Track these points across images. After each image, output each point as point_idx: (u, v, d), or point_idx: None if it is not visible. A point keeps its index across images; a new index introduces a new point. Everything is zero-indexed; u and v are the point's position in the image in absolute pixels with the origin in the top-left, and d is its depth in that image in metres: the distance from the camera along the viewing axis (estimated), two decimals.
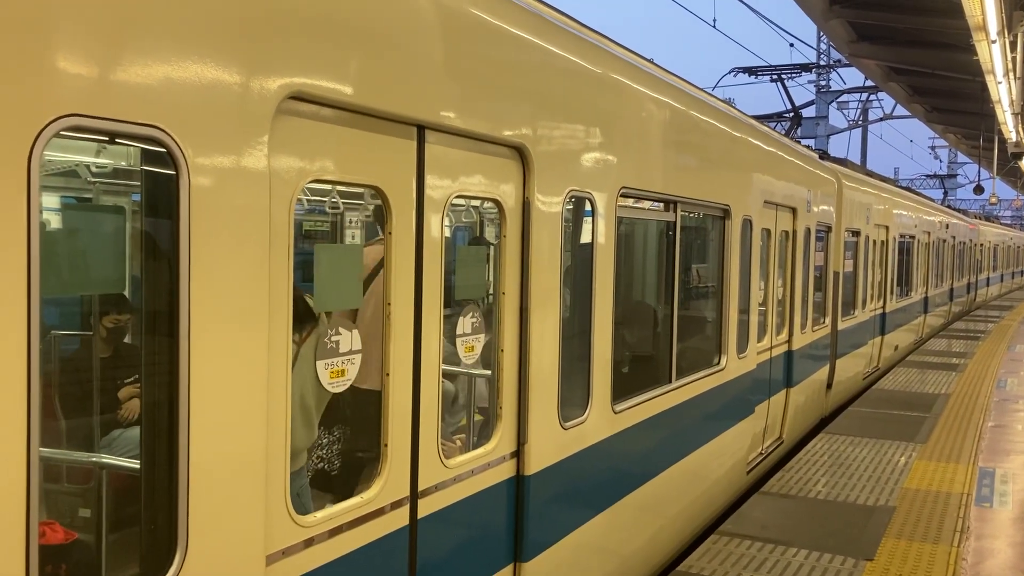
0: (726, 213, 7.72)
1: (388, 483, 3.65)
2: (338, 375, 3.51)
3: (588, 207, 5.24)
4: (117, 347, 4.62)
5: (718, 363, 7.74)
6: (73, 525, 3.32)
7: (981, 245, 33.94)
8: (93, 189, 4.69)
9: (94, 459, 3.74)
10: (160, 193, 2.70)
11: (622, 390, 5.75)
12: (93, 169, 4.55)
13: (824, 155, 14.17)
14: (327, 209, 6.69)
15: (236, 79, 2.79)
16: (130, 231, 2.97)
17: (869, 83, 26.53)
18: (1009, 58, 11.75)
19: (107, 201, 4.75)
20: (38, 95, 2.27)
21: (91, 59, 2.39)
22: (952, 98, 25.64)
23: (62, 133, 2.34)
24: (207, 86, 2.69)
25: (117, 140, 2.63)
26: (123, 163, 3.43)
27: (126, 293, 3.92)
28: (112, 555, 3.22)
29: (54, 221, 2.88)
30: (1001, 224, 50.97)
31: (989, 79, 12.74)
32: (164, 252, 2.69)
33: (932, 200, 26.89)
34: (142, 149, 2.72)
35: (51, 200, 4.08)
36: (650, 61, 6.61)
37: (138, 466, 2.91)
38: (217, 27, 2.73)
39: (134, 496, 3.08)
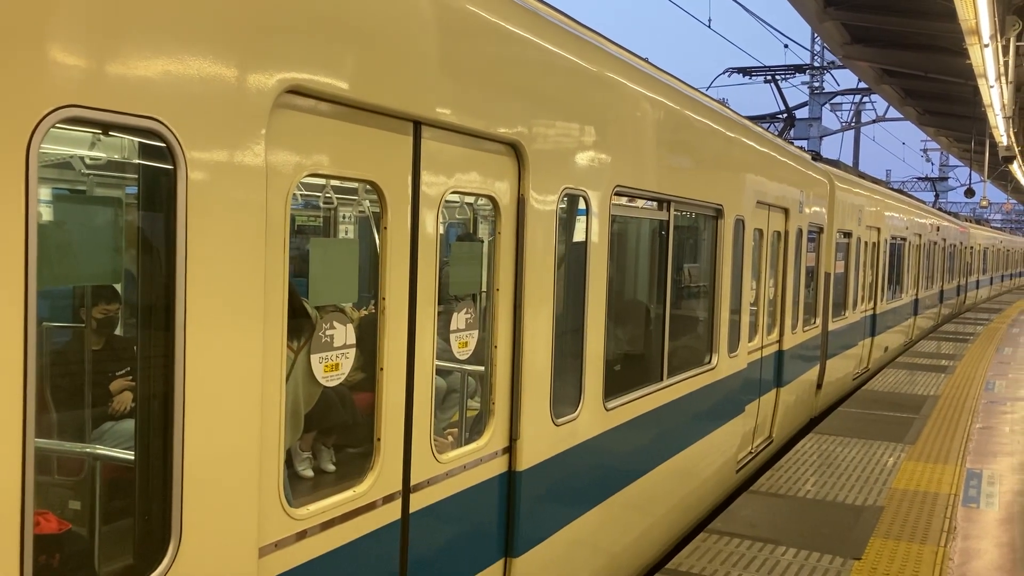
0: (719, 213, 7.76)
1: (380, 477, 3.66)
2: (332, 369, 3.52)
3: (582, 205, 5.26)
4: (110, 339, 4.61)
5: (709, 362, 7.77)
6: (66, 516, 3.32)
7: (971, 248, 34.10)
8: (89, 181, 4.69)
9: (88, 450, 3.74)
10: (157, 185, 2.70)
11: (614, 388, 5.77)
12: (89, 161, 4.55)
13: (817, 156, 14.22)
14: (320, 204, 6.69)
15: (234, 72, 2.80)
16: (127, 223, 2.98)
17: (862, 85, 26.59)
18: (1001, 62, 11.81)
19: (104, 193, 4.75)
20: (36, 86, 2.27)
21: (89, 50, 2.39)
22: (944, 101, 25.74)
23: (59, 125, 2.35)
24: (205, 79, 2.70)
25: (115, 132, 2.63)
26: (121, 155, 3.44)
27: (122, 285, 3.92)
28: (106, 546, 3.23)
29: (53, 213, 2.88)
30: (991, 227, 51.19)
31: (981, 83, 12.81)
32: (161, 244, 2.70)
33: (923, 203, 27.00)
34: (140, 141, 2.73)
35: (49, 192, 4.08)
36: (645, 60, 6.63)
37: (133, 458, 2.92)
38: (216, 20, 2.74)
39: (128, 488, 3.08)
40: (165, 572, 2.67)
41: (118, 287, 4.31)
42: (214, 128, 2.74)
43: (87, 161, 4.56)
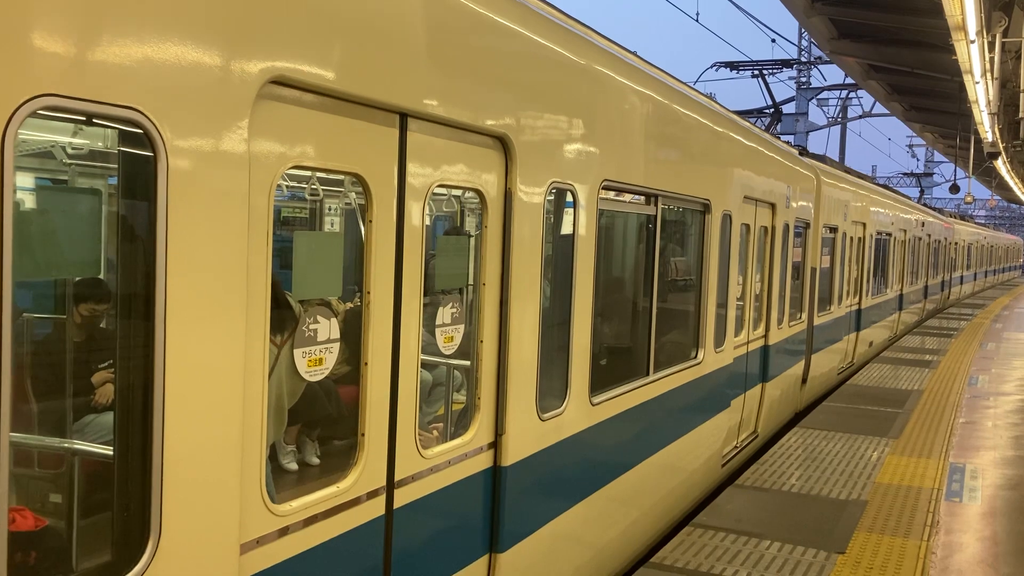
0: (706, 208, 7.75)
1: (364, 473, 3.63)
2: (316, 364, 3.48)
3: (570, 199, 5.23)
4: (92, 332, 4.55)
5: (695, 357, 7.77)
6: (44, 511, 3.28)
7: (955, 244, 34.31)
8: (70, 171, 4.62)
9: (67, 445, 3.69)
10: (137, 176, 2.66)
11: (600, 382, 5.76)
12: (69, 151, 4.49)
13: (803, 151, 14.24)
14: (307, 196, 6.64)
15: (217, 62, 2.75)
16: (107, 214, 2.93)
17: (849, 80, 26.68)
18: (987, 59, 11.84)
19: (84, 183, 4.69)
20: (13, 74, 2.23)
21: (68, 38, 2.34)
22: (930, 97, 25.85)
23: (38, 113, 2.30)
24: (187, 68, 2.65)
25: (94, 121, 2.58)
26: (100, 145, 3.39)
27: (101, 277, 3.87)
28: (84, 542, 3.18)
29: (30, 202, 2.83)
30: (975, 223, 51.54)
31: (967, 79, 12.83)
32: (141, 236, 2.65)
33: (908, 198, 27.12)
34: (120, 131, 2.68)
35: (27, 181, 4.02)
36: (633, 54, 6.60)
37: (112, 452, 2.88)
38: (198, 8, 2.69)
39: (107, 483, 3.04)
40: (144, 569, 2.63)
41: (105, 283, 4.25)
42: (196, 119, 2.69)
43: (68, 151, 4.49)
